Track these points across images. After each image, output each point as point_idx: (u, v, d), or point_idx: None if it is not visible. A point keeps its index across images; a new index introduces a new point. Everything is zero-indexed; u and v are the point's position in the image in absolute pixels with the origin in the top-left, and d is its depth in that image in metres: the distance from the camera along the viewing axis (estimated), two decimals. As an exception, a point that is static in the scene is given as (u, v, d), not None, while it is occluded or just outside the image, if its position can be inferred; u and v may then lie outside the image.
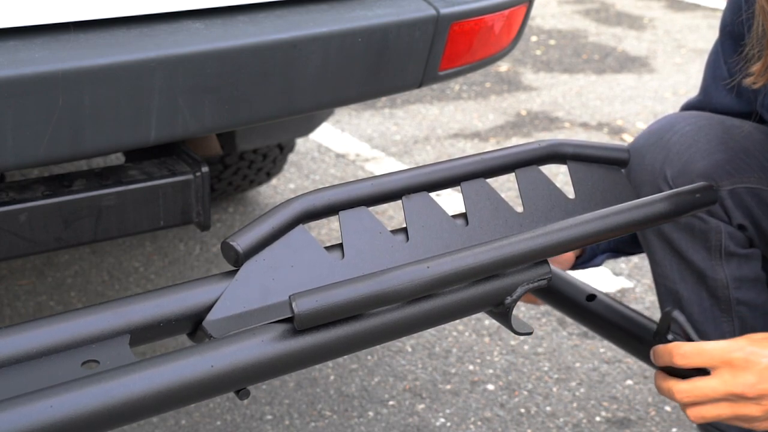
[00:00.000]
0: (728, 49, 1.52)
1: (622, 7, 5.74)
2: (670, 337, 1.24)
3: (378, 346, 2.22)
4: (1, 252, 1.43)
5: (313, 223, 2.69)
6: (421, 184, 1.09)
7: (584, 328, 2.07)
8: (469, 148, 3.52)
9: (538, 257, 1.05)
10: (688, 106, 1.63)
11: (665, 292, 1.55)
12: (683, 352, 1.16)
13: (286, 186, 3.13)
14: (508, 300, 1.06)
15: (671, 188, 1.41)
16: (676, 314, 1.22)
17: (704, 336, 1.54)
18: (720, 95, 1.55)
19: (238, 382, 0.90)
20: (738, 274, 1.48)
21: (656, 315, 2.19)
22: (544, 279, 1.08)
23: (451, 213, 1.13)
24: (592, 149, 1.25)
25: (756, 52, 1.35)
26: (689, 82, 4.33)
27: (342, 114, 3.80)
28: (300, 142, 3.42)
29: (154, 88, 1.35)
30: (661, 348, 1.20)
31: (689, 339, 1.21)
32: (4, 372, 0.86)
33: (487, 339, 2.28)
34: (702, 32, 5.22)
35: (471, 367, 2.17)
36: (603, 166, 1.26)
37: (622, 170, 1.33)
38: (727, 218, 1.44)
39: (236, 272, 0.98)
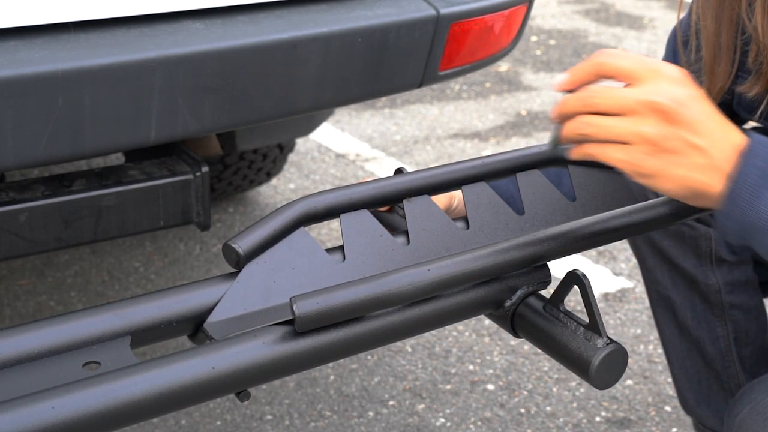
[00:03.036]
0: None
1: (622, 7, 5.73)
2: (561, 307, 1.02)
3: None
4: (1, 252, 1.43)
5: (312, 223, 2.69)
6: (422, 187, 1.09)
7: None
8: (469, 148, 3.52)
9: (539, 261, 1.05)
10: None
11: (658, 298, 1.55)
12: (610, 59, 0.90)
13: (286, 186, 3.13)
14: (508, 303, 1.06)
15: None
16: (580, 274, 0.98)
17: (699, 341, 1.54)
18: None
19: (239, 383, 0.90)
20: (729, 278, 1.48)
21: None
22: (544, 282, 1.08)
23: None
24: (594, 153, 1.25)
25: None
26: (689, 82, 4.33)
27: (342, 114, 3.80)
28: (300, 142, 3.42)
29: (154, 88, 1.35)
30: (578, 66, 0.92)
31: (590, 308, 0.97)
32: (6, 373, 0.86)
33: (487, 339, 2.28)
34: (702, 32, 5.21)
35: (471, 367, 2.17)
36: (604, 170, 1.26)
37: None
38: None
39: (237, 274, 0.98)
